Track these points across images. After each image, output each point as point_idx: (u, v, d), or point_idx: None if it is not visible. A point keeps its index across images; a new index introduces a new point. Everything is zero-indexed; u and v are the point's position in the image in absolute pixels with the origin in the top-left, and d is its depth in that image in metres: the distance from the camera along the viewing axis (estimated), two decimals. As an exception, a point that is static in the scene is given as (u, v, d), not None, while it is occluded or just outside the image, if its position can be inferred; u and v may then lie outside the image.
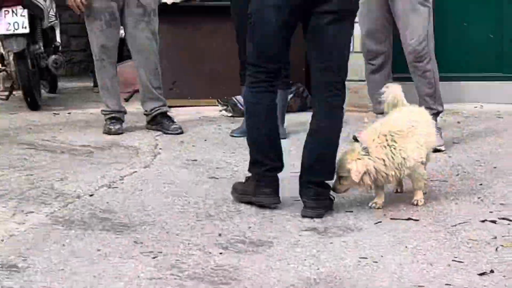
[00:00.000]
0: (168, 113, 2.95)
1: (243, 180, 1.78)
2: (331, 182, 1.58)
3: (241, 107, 3.48)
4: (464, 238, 1.32)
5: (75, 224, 1.47)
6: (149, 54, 2.80)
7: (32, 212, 1.58)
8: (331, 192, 1.59)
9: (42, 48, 3.84)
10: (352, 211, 1.60)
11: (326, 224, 1.46)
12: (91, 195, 1.79)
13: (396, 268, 1.10)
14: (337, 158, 1.59)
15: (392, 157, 1.51)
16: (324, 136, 1.60)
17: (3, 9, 3.36)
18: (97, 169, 2.21)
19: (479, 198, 1.74)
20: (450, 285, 0.98)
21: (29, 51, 3.57)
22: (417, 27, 2.42)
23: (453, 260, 1.13)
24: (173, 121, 2.91)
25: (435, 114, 2.33)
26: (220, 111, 3.68)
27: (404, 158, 1.52)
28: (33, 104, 3.62)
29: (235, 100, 3.60)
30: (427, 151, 1.66)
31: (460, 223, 1.45)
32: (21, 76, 3.50)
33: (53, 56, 3.97)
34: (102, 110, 2.92)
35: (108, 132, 2.77)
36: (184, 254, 1.20)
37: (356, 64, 3.11)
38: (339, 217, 1.53)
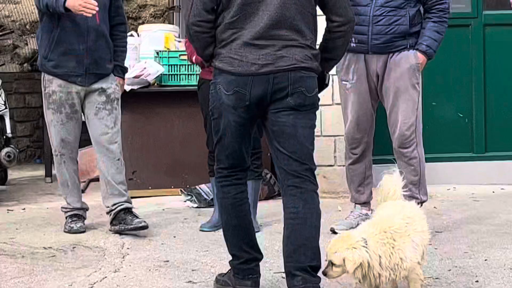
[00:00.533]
0: (132, 210, 2.70)
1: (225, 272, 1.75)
2: (319, 273, 1.45)
3: (206, 197, 3.51)
4: None
5: None
6: (110, 145, 2.58)
7: (1, 331, 1.41)
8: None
9: (-8, 140, 3.64)
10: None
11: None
12: (62, 308, 1.64)
13: None
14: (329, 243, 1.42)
15: (390, 256, 1.36)
16: (303, 221, 1.48)
17: None
18: (63, 275, 2.01)
19: (480, 298, 1.56)
20: None
21: (-22, 144, 3.34)
22: (406, 111, 2.38)
23: None
24: (136, 216, 2.65)
25: (419, 204, 2.09)
26: (185, 201, 3.64)
27: (401, 259, 1.38)
28: (-16, 201, 3.30)
29: (200, 190, 3.60)
30: (423, 249, 1.52)
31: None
32: (-29, 171, 3.26)
33: (5, 149, 3.83)
34: (62, 207, 2.75)
35: (69, 231, 2.60)
36: None
37: (324, 148, 3.26)
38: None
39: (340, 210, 2.96)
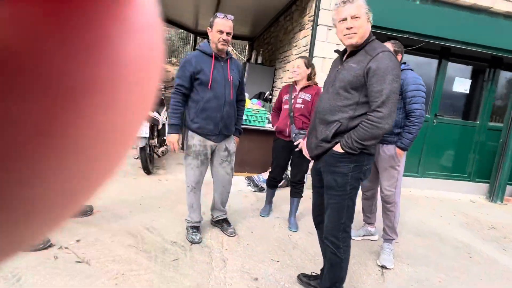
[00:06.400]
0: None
1: None
2: None
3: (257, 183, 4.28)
4: None
5: None
6: (227, 185, 2.84)
7: None
8: None
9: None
10: None
11: None
12: None
13: None
14: None
15: None
16: None
17: None
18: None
19: None
20: None
21: None
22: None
23: None
24: (229, 224, 2.95)
25: (390, 241, 2.83)
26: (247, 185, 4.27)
27: None
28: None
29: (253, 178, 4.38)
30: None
31: None
32: None
33: (161, 148, 4.45)
34: (186, 219, 2.77)
35: (191, 242, 2.64)
36: None
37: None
38: None
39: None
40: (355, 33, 1.75)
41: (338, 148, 1.77)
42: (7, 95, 0.09)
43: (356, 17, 1.74)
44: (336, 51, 1.94)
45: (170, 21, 8.02)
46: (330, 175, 1.80)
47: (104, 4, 0.11)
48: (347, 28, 1.76)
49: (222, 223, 2.92)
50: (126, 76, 0.12)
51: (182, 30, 9.49)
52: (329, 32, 4.12)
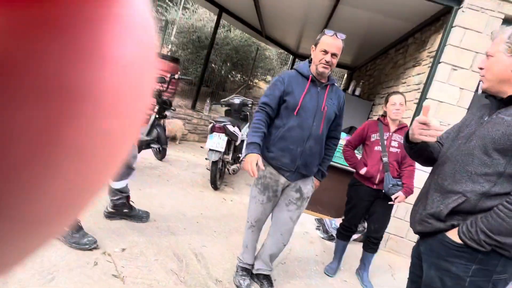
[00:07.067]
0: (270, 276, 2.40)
1: None
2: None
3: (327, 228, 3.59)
4: None
5: None
6: (286, 233, 2.26)
7: None
8: None
9: None
10: None
11: None
12: None
13: None
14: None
15: None
16: None
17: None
18: None
19: None
20: None
21: None
22: None
23: None
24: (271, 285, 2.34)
25: None
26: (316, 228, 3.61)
27: None
28: None
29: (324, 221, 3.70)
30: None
31: None
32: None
33: (233, 166, 4.06)
34: (238, 257, 2.38)
35: (238, 286, 2.23)
36: None
37: None
38: None
39: None
40: (482, 76, 1.29)
41: (453, 235, 1.19)
42: (6, 100, 0.09)
43: (489, 55, 1.26)
44: (487, 97, 1.36)
45: (272, 40, 8.00)
46: (435, 271, 1.22)
47: (98, 2, 0.10)
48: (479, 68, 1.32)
49: (262, 280, 2.32)
50: (124, 76, 0.11)
51: (283, 51, 9.43)
52: (453, 73, 3.38)
